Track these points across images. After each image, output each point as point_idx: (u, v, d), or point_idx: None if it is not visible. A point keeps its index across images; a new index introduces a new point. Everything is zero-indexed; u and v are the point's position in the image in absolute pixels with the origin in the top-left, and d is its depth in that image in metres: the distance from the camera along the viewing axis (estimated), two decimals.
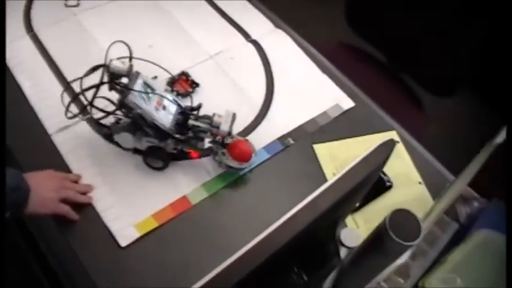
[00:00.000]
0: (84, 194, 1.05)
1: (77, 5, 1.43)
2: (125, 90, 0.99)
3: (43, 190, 0.95)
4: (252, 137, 1.19)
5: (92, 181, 1.07)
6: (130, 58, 1.04)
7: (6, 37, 1.27)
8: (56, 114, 1.16)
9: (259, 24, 1.46)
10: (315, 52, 1.43)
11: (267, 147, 1.18)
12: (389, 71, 1.78)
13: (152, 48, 1.35)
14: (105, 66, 1.00)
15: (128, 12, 1.43)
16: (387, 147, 0.58)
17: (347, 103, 1.30)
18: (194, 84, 1.27)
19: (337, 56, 1.46)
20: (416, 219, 0.67)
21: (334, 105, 1.29)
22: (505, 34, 1.88)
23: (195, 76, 1.28)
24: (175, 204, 1.06)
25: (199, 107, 1.10)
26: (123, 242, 1.00)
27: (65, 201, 0.99)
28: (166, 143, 1.06)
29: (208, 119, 1.06)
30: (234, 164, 1.09)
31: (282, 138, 1.20)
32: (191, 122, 1.06)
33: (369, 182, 0.68)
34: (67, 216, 0.99)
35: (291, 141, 1.20)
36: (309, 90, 1.32)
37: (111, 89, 1.02)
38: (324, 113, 1.27)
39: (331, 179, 0.54)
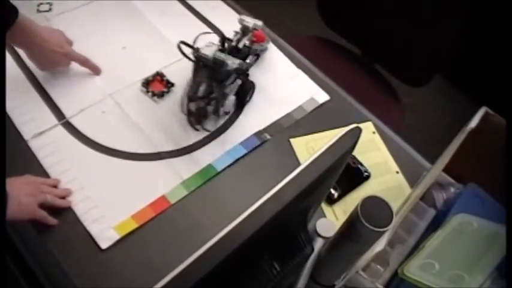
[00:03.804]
0: (63, 198, 1.04)
1: (49, 10, 1.42)
2: (226, 63, 1.10)
3: (20, 195, 0.95)
4: (228, 133, 1.20)
5: (70, 185, 1.07)
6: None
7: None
8: (31, 120, 1.17)
9: (232, 22, 1.46)
10: (288, 47, 1.44)
11: (244, 143, 1.19)
12: (363, 63, 1.79)
13: (126, 49, 1.35)
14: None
15: (100, 15, 1.43)
16: (352, 135, 0.59)
17: (322, 97, 1.31)
18: (169, 84, 1.27)
19: (310, 50, 1.47)
20: (388, 206, 0.68)
21: (309, 99, 1.30)
22: (477, 22, 1.91)
23: (170, 76, 1.29)
24: (154, 204, 1.06)
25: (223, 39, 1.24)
26: (104, 245, 1.00)
27: (43, 206, 0.99)
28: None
29: (240, 33, 1.24)
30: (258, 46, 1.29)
31: (258, 134, 1.21)
32: (240, 45, 1.21)
33: (337, 170, 0.69)
34: (45, 221, 0.99)
35: (268, 136, 1.21)
36: (284, 85, 1.33)
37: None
38: (300, 107, 1.28)
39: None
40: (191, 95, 1.13)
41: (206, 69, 1.12)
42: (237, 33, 1.26)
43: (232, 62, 1.11)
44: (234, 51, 1.21)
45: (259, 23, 1.25)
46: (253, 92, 1.27)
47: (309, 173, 0.55)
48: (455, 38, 1.52)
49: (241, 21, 1.24)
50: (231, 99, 1.18)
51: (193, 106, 1.14)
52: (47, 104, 1.21)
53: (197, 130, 1.19)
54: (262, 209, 0.51)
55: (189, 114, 1.17)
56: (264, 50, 1.35)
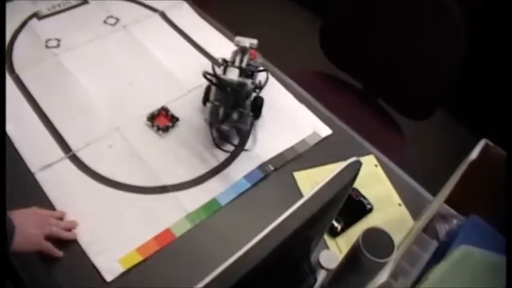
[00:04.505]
0: (68, 230, 1.06)
1: (58, 46, 1.46)
2: (246, 84, 1.19)
3: (27, 227, 0.96)
4: (232, 166, 1.22)
5: (76, 217, 1.08)
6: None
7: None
8: (39, 153, 1.19)
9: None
10: (290, 81, 1.47)
11: (247, 176, 1.20)
12: (365, 97, 1.81)
13: (132, 85, 1.38)
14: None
15: (107, 51, 1.46)
16: (352, 168, 0.60)
17: (325, 130, 1.33)
18: (174, 119, 1.29)
19: (312, 85, 1.49)
20: (389, 237, 0.70)
21: (312, 133, 1.32)
22: (476, 56, 1.93)
23: (174, 110, 1.31)
24: (159, 237, 1.07)
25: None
26: (109, 277, 1.00)
27: (49, 237, 1.00)
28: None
29: (239, 53, 1.29)
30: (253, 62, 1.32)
31: (262, 166, 1.22)
32: (243, 65, 1.25)
33: (338, 203, 0.70)
34: (50, 253, 1.00)
35: (271, 168, 1.22)
36: (287, 119, 1.35)
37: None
38: (303, 141, 1.29)
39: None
40: (214, 120, 1.21)
41: (226, 93, 1.19)
42: (235, 54, 1.30)
43: (250, 82, 1.20)
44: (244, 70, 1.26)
45: (254, 41, 1.30)
46: (262, 106, 1.31)
47: (310, 206, 0.56)
48: (456, 71, 1.54)
49: (237, 42, 1.29)
50: (248, 116, 1.24)
51: (217, 130, 1.23)
52: (53, 137, 1.23)
53: (225, 151, 1.24)
54: (266, 240, 0.52)
55: (215, 137, 1.25)
56: (259, 66, 1.39)
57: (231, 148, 1.25)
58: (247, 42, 1.28)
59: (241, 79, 1.17)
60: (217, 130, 1.23)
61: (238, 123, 1.23)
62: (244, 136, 1.28)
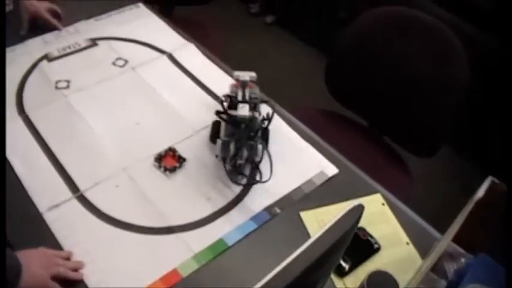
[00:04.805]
0: (75, 270, 1.06)
1: (67, 87, 1.48)
2: (257, 118, 1.25)
3: (34, 267, 0.97)
4: (239, 208, 1.22)
5: (82, 258, 1.08)
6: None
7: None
8: (47, 193, 1.20)
9: None
10: (295, 121, 1.48)
11: (254, 218, 1.20)
12: (371, 135, 1.82)
13: (139, 125, 1.39)
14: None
15: (115, 92, 1.49)
16: (355, 212, 0.61)
17: (331, 170, 1.33)
18: (181, 159, 1.30)
19: (317, 123, 1.51)
20: (394, 280, 0.69)
21: (318, 173, 1.32)
22: (481, 93, 1.94)
23: (181, 151, 1.32)
24: (165, 277, 1.07)
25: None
26: None
27: (56, 278, 1.00)
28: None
29: (240, 88, 1.33)
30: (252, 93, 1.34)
31: (269, 208, 1.22)
32: (247, 97, 1.30)
33: (341, 246, 0.70)
34: None
35: (278, 211, 1.22)
36: (293, 159, 1.35)
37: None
38: (309, 181, 1.30)
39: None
40: (227, 156, 1.24)
41: (239, 129, 1.23)
42: (235, 88, 1.35)
43: (258, 115, 1.25)
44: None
45: (253, 74, 1.33)
46: (268, 136, 1.36)
47: (312, 252, 0.56)
48: (460, 107, 1.55)
49: (237, 77, 1.33)
50: (259, 148, 1.26)
51: (232, 165, 1.24)
52: (62, 177, 1.24)
53: (240, 184, 1.27)
54: (270, 284, 0.52)
55: (229, 171, 1.26)
56: (261, 97, 1.41)
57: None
58: (246, 76, 1.32)
59: (251, 114, 1.21)
60: (231, 165, 1.24)
61: (250, 156, 1.25)
62: (258, 169, 1.28)
